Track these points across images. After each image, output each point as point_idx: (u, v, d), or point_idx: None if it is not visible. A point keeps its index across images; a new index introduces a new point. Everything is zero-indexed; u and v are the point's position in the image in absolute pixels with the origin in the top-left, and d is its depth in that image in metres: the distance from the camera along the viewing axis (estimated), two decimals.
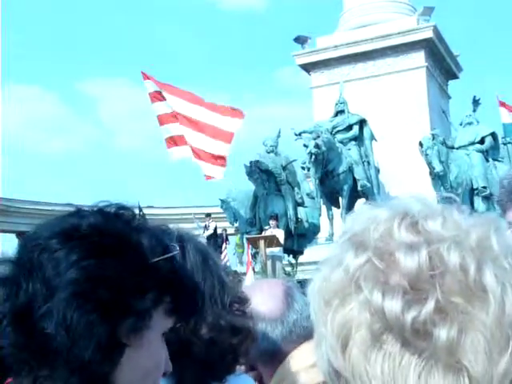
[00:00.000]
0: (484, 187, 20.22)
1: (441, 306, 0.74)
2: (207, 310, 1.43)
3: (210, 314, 1.44)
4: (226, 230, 25.25)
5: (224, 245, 22.48)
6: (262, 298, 1.84)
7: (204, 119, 16.87)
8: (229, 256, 22.03)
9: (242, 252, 20.86)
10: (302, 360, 1.78)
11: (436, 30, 24.03)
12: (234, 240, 24.26)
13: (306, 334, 1.83)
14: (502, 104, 20.69)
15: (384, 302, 0.75)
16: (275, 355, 1.79)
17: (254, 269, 16.53)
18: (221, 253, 22.23)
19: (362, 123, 20.91)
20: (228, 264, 19.82)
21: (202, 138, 16.91)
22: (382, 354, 0.76)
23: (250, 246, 17.40)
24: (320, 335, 0.83)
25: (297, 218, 19.91)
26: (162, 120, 17.43)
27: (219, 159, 16.89)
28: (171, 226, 1.59)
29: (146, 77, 17.51)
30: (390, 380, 0.75)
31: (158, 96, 17.35)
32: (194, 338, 1.41)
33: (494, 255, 0.77)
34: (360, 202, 20.73)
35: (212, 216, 26.23)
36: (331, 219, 20.13)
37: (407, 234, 0.78)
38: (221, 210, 21.75)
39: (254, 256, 17.69)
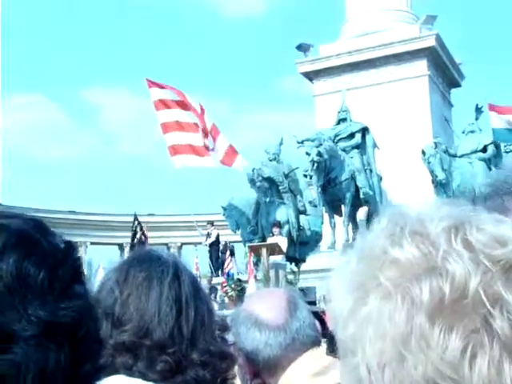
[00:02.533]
0: None
1: None
2: (198, 337, 1.48)
3: (201, 341, 1.49)
4: (229, 243, 25.28)
5: (228, 252, 22.47)
6: (266, 307, 1.85)
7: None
8: (233, 264, 22.03)
9: None
10: (305, 368, 1.79)
11: (438, 39, 24.09)
12: (240, 248, 24.26)
13: (309, 342, 1.84)
14: (492, 108, 20.52)
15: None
16: (278, 363, 1.80)
17: (256, 277, 16.52)
18: (224, 261, 22.25)
19: (364, 131, 20.93)
20: (232, 271, 19.83)
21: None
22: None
23: (253, 254, 17.40)
24: (417, 357, 0.71)
25: (299, 226, 19.90)
26: (166, 128, 17.43)
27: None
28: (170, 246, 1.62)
29: (151, 84, 17.49)
30: None
31: (163, 104, 17.32)
32: (186, 361, 1.45)
33: None
34: (362, 210, 20.74)
35: (214, 224, 26.23)
36: (333, 227, 20.13)
37: (487, 242, 0.73)
38: (223, 218, 21.76)
39: (257, 264, 17.68)
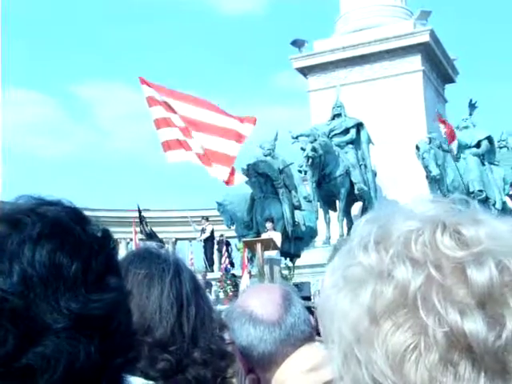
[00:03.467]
0: (480, 191, 20.27)
1: None
2: (199, 336, 1.48)
3: (202, 339, 1.48)
4: (223, 236, 25.26)
5: (224, 248, 22.50)
6: (260, 302, 1.86)
7: (213, 121, 17.04)
8: (230, 259, 22.07)
9: None
10: (300, 363, 1.79)
11: (433, 34, 24.09)
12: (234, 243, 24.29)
13: (304, 338, 1.85)
14: (442, 121, 20.77)
15: (464, 323, 0.70)
16: (273, 358, 1.81)
17: (250, 272, 16.53)
18: (221, 257, 22.28)
19: (358, 127, 20.93)
20: (228, 267, 19.86)
21: (212, 139, 17.09)
22: (452, 377, 0.71)
23: (247, 249, 17.41)
24: (363, 357, 0.74)
25: (294, 222, 19.90)
26: (159, 124, 17.57)
27: (229, 160, 17.13)
28: (168, 247, 1.64)
29: (143, 82, 17.66)
30: None
31: (155, 100, 17.48)
32: (187, 359, 1.45)
33: None
34: (357, 205, 20.77)
35: (209, 219, 26.22)
36: (328, 222, 20.14)
37: (452, 244, 0.74)
38: (218, 213, 21.76)
39: (251, 259, 17.69)
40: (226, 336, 1.60)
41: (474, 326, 0.70)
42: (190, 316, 1.48)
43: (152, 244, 1.75)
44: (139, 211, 23.38)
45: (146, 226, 22.87)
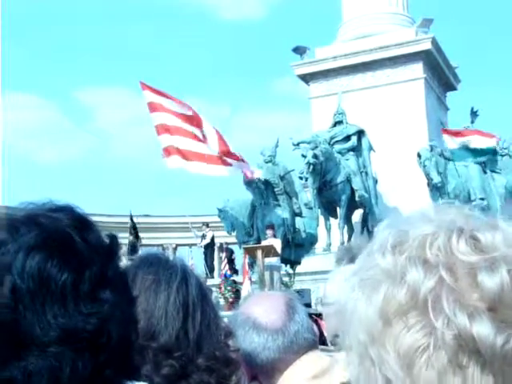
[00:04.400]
0: (482, 199, 20.26)
1: None
2: (204, 342, 1.48)
3: (207, 346, 1.49)
4: (227, 243, 25.26)
5: (224, 254, 22.52)
6: (264, 310, 1.85)
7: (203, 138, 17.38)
8: (233, 266, 22.09)
9: None
10: (303, 371, 1.79)
11: (434, 42, 24.14)
12: (236, 250, 24.31)
13: (307, 345, 1.84)
14: (444, 131, 21.05)
15: (473, 326, 0.71)
16: (276, 366, 1.80)
17: (250, 278, 16.52)
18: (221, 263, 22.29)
19: (360, 134, 20.96)
20: (228, 273, 19.84)
21: (202, 146, 17.29)
22: (460, 379, 0.72)
23: (247, 255, 17.41)
24: (376, 358, 0.76)
25: (294, 228, 19.90)
26: (160, 130, 17.62)
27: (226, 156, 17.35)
28: (169, 252, 1.63)
29: (144, 87, 17.73)
30: None
31: (156, 106, 17.54)
32: (192, 365, 1.45)
33: None
34: (358, 212, 20.76)
35: (209, 225, 26.22)
36: (329, 229, 20.14)
37: (468, 249, 0.75)
38: (218, 219, 21.75)
39: (252, 266, 17.68)
40: (231, 343, 1.59)
41: (483, 329, 0.70)
42: (196, 322, 1.48)
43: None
44: (131, 218, 23.58)
45: (133, 233, 23.00)
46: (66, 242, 0.87)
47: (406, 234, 0.79)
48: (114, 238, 0.94)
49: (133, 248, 21.20)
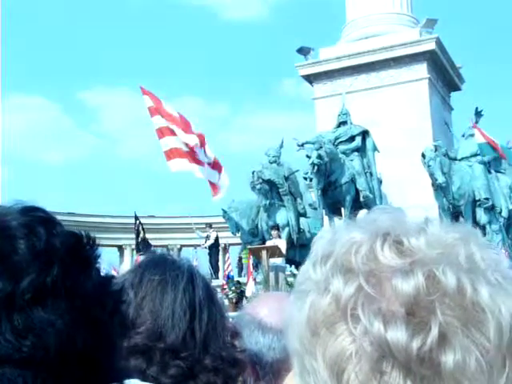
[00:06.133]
0: (486, 199, 20.23)
1: (444, 332, 0.71)
2: (211, 342, 1.48)
3: (213, 346, 1.49)
4: (228, 245, 25.29)
5: (227, 255, 22.55)
6: (269, 310, 1.86)
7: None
8: (232, 266, 22.07)
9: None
10: None
11: (439, 42, 24.11)
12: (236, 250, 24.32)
13: None
14: (475, 127, 21.16)
15: (387, 332, 0.71)
16: (282, 366, 1.80)
17: (255, 279, 16.52)
18: (224, 263, 22.28)
19: (364, 134, 20.94)
20: (231, 274, 19.85)
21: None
22: None
23: (252, 256, 17.41)
24: (309, 367, 0.77)
25: (299, 229, 19.90)
26: (161, 133, 17.81)
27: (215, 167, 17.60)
28: (174, 252, 1.63)
29: (144, 92, 17.97)
30: None
31: (156, 110, 17.78)
32: (198, 366, 1.45)
33: (481, 272, 0.74)
34: (362, 212, 20.70)
35: (213, 226, 26.23)
36: None
37: (392, 254, 0.75)
38: (222, 220, 21.76)
39: (257, 266, 17.68)
40: (238, 343, 1.60)
41: (396, 334, 0.71)
42: (203, 323, 1.48)
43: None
44: (136, 217, 23.65)
45: (140, 234, 23.08)
46: (5, 247, 0.79)
47: (335, 243, 0.79)
48: (79, 239, 0.86)
49: (147, 244, 21.28)
